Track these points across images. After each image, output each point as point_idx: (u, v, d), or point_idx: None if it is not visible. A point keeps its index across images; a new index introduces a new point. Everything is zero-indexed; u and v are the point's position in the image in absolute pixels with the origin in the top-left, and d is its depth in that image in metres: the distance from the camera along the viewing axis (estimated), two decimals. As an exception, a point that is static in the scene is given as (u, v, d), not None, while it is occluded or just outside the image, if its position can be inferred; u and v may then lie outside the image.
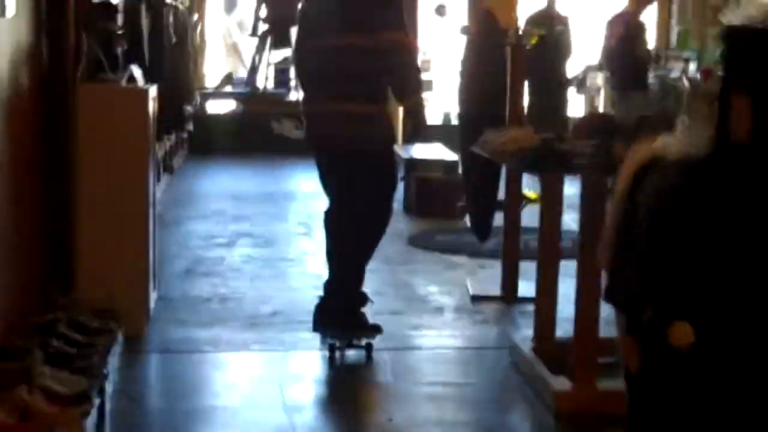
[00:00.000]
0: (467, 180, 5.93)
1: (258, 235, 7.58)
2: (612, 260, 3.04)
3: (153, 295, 5.32)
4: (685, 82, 9.91)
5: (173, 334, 5.10)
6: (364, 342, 4.80)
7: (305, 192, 8.98)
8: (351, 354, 4.81)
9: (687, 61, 10.95)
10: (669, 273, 2.76)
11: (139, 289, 5.07)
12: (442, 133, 11.45)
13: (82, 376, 3.90)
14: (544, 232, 4.58)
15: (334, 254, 4.90)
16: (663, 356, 2.78)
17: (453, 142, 9.65)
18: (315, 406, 4.20)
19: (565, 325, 4.62)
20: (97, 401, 3.78)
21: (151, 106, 5.22)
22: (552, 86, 5.88)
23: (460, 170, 7.10)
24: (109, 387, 3.99)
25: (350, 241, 4.86)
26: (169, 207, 8.71)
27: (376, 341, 4.95)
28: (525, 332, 5.06)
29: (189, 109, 10.82)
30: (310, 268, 6.48)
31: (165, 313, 5.39)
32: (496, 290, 5.87)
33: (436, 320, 5.39)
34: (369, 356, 4.73)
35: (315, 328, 4.83)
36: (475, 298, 5.76)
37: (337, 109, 4.74)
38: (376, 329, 4.79)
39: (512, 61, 5.76)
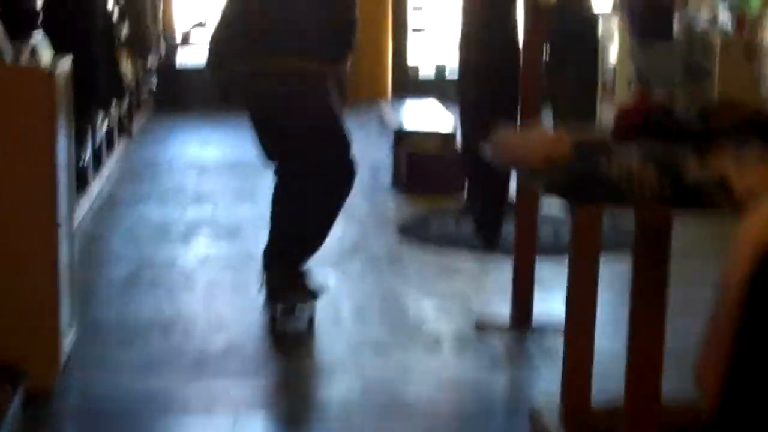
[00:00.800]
0: (470, 177, 4.74)
1: (221, 223, 6.41)
2: (722, 392, 1.90)
3: (70, 333, 4.16)
4: (716, 33, 8.66)
5: (94, 385, 3.95)
6: (307, 315, 4.52)
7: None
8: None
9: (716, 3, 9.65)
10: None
11: (47, 328, 3.91)
12: (435, 89, 10.27)
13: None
14: (576, 275, 3.42)
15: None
16: None
17: (447, 99, 8.48)
18: None
19: (604, 373, 3.50)
20: None
21: (62, 87, 4.02)
22: (582, 59, 4.61)
23: (459, 149, 5.90)
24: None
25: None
26: (123, 182, 7.54)
27: (356, 395, 3.85)
28: (547, 382, 3.94)
29: (151, 61, 9.59)
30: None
31: (89, 351, 4.24)
32: (506, 307, 4.71)
33: (430, 361, 4.23)
34: (310, 328, 4.51)
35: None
36: (481, 326, 4.60)
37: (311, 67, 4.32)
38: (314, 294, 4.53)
39: (528, 22, 4.55)
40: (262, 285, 4.59)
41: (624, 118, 3.23)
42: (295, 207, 4.45)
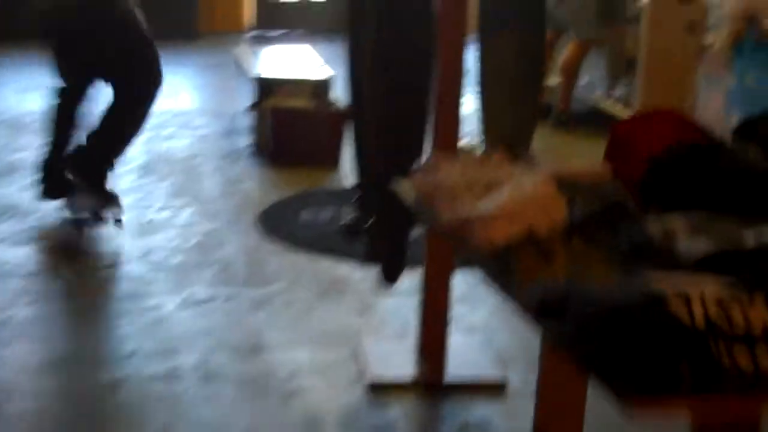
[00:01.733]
0: (366, 202, 3.38)
1: (29, 212, 4.87)
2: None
3: None
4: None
5: None
6: (114, 217, 4.62)
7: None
8: None
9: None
10: None
11: None
12: (303, 20, 8.84)
13: None
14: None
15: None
16: None
17: (319, 33, 7.11)
18: None
19: None
20: None
21: None
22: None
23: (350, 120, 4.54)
24: None
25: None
26: None
27: None
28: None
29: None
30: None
31: None
32: (410, 354, 3.42)
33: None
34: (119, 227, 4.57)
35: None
36: (378, 388, 3.29)
37: None
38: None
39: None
40: (41, 195, 4.70)
41: (635, 155, 1.91)
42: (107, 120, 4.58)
